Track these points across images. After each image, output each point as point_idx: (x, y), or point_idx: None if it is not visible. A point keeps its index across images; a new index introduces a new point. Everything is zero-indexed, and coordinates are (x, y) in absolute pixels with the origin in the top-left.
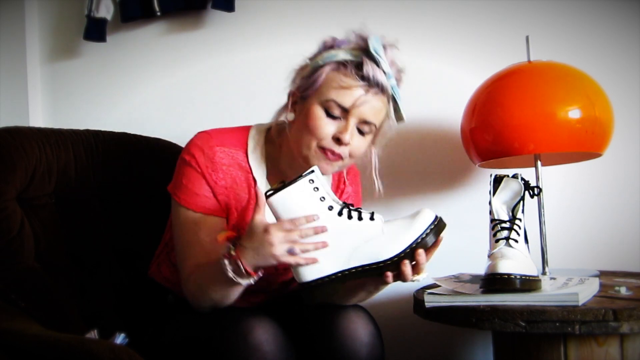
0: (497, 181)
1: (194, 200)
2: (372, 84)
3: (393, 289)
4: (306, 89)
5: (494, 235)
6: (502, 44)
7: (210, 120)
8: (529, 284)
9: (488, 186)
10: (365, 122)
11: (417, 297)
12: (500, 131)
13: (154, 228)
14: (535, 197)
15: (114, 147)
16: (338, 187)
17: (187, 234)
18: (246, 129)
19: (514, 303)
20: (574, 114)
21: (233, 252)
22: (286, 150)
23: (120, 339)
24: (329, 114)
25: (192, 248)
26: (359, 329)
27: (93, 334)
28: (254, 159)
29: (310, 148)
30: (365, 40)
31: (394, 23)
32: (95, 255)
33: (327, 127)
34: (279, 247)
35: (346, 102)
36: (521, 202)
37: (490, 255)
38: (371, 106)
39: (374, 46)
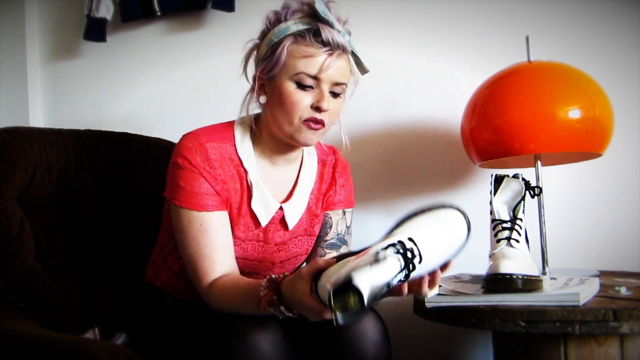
0: (498, 181)
1: (196, 200)
2: (334, 47)
3: None
4: (271, 69)
5: (495, 235)
6: (502, 44)
7: (210, 120)
8: (530, 284)
9: (488, 186)
10: (337, 84)
11: (417, 297)
12: (500, 131)
13: (154, 228)
14: (536, 197)
15: (114, 147)
16: (325, 184)
17: (195, 235)
18: (230, 124)
19: (514, 303)
20: (574, 114)
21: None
22: (267, 135)
23: (121, 339)
24: (301, 86)
25: (205, 249)
26: (368, 327)
27: (93, 333)
28: (243, 151)
29: (292, 124)
30: (310, 6)
31: (394, 23)
32: (95, 255)
33: (303, 100)
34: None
35: (314, 69)
36: (522, 202)
37: (491, 256)
38: (338, 67)
39: (321, 9)
